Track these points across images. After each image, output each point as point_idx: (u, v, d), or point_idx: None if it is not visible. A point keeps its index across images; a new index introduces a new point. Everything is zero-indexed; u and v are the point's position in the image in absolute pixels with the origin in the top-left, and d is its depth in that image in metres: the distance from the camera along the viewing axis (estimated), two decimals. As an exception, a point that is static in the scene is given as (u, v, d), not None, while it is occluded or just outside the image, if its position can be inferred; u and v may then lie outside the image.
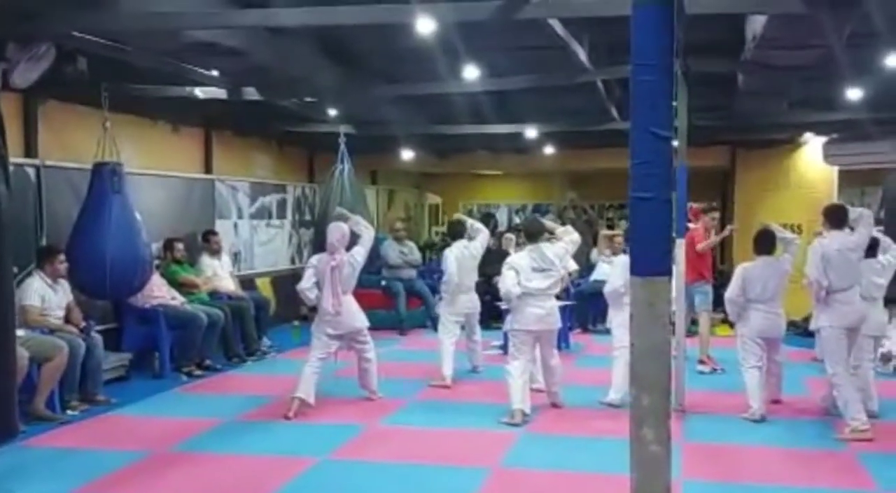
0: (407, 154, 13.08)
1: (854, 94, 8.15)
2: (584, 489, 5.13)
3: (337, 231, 6.95)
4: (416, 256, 11.92)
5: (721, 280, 9.30)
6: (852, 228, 6.29)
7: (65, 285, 7.02)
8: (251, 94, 8.13)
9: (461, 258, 8.05)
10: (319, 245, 8.21)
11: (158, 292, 8.19)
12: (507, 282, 6.56)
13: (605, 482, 5.00)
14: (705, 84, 7.77)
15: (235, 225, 10.82)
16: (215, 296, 9.00)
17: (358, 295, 7.16)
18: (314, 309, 7.15)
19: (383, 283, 11.28)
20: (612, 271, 7.27)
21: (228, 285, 9.42)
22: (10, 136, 4.42)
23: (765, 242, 6.84)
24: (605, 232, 12.58)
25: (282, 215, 12.04)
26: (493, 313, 9.66)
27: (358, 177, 10.85)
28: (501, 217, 16.59)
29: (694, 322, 8.86)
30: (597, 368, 7.91)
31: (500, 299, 7.47)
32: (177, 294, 8.42)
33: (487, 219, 13.13)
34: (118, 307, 8.15)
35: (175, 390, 7.61)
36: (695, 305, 8.49)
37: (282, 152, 12.32)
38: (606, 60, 7.14)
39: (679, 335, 6.57)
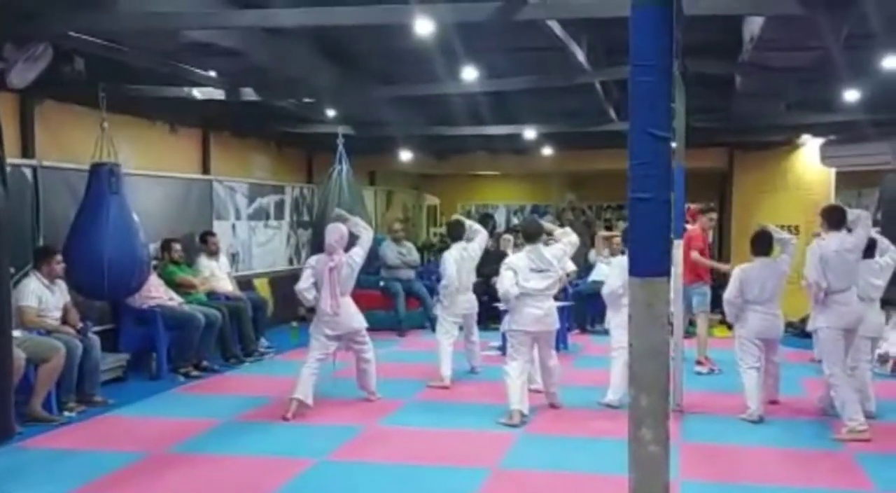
0: (405, 155, 13.08)
1: (851, 95, 8.17)
2: (583, 489, 5.13)
3: (335, 232, 6.95)
4: (415, 256, 11.93)
5: (719, 281, 9.29)
6: (850, 230, 6.30)
7: (62, 285, 7.00)
8: (249, 94, 8.13)
9: (460, 261, 8.05)
10: (318, 246, 8.22)
11: (156, 292, 8.19)
12: (506, 282, 6.56)
13: (603, 482, 5.00)
14: (703, 85, 7.79)
15: (233, 226, 10.81)
16: (213, 297, 9.00)
17: (356, 296, 7.16)
18: (312, 310, 7.15)
19: (381, 284, 11.28)
20: (611, 272, 7.28)
21: (226, 285, 9.42)
22: (6, 136, 4.41)
23: (762, 244, 6.85)
24: (602, 233, 12.59)
25: (280, 216, 12.03)
26: (491, 313, 9.66)
27: (356, 178, 10.86)
28: (500, 218, 16.60)
29: (692, 323, 8.88)
30: (595, 368, 7.91)
31: (498, 300, 7.47)
32: (174, 295, 8.41)
33: (486, 220, 13.14)
34: (115, 308, 8.14)
35: (172, 391, 7.60)
36: (693, 306, 8.49)
37: (280, 153, 12.32)
38: (605, 61, 7.15)
39: (677, 336, 6.57)
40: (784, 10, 4.94)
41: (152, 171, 9.03)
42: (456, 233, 8.36)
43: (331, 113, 9.84)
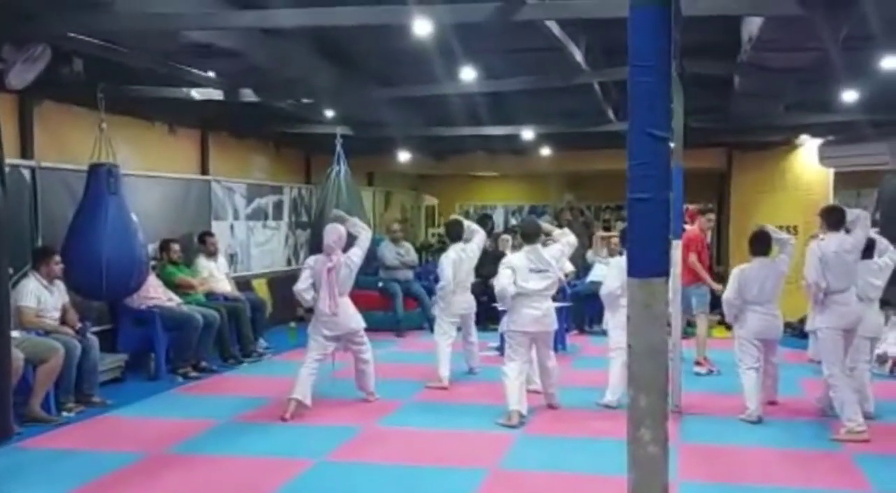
0: (404, 156, 13.08)
1: (850, 96, 8.17)
2: (582, 490, 5.13)
3: (334, 232, 6.94)
4: (413, 257, 11.93)
5: (717, 282, 9.27)
6: (849, 230, 6.31)
7: (60, 286, 7.00)
8: (248, 95, 8.12)
9: (458, 262, 8.04)
10: (316, 246, 8.21)
11: (154, 293, 8.18)
12: (503, 280, 6.56)
13: (602, 483, 5.01)
14: (701, 86, 7.78)
15: (232, 226, 10.81)
16: (211, 297, 9.00)
17: (354, 296, 7.16)
18: (311, 310, 7.15)
19: (380, 284, 11.28)
20: (609, 272, 7.27)
21: (225, 286, 9.41)
22: (5, 137, 4.42)
23: (761, 244, 6.85)
24: (600, 233, 12.59)
25: (278, 217, 12.03)
26: (489, 314, 9.66)
27: (354, 178, 10.87)
28: (498, 219, 16.60)
29: (690, 324, 8.87)
30: (593, 369, 7.91)
31: (496, 301, 7.46)
32: (173, 295, 8.41)
33: (484, 220, 13.14)
34: (114, 309, 8.13)
35: (171, 392, 7.60)
36: (692, 306, 8.49)
37: (278, 154, 12.32)
38: (603, 62, 7.14)
39: (675, 337, 6.58)
40: (783, 11, 4.94)
41: (151, 171, 9.03)
42: (454, 233, 8.35)
43: (329, 113, 9.85)
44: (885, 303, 7.05)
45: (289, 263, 12.14)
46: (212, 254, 9.40)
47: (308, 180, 13.06)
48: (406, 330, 11.05)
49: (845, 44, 5.72)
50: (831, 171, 10.92)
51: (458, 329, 8.24)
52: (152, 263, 8.22)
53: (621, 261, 6.21)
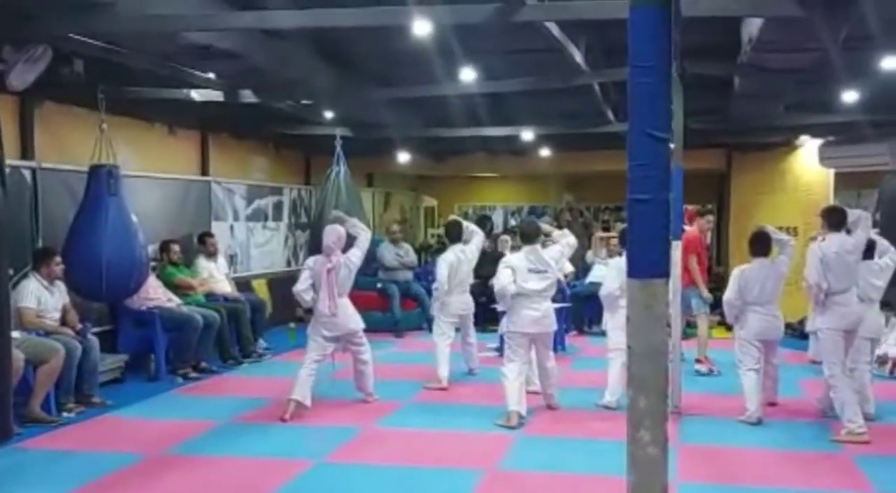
0: (403, 157, 13.08)
1: (850, 96, 8.17)
2: (581, 490, 5.12)
3: (333, 233, 6.94)
4: (412, 258, 11.93)
5: (716, 283, 9.30)
6: (849, 231, 6.31)
7: (61, 287, 7.00)
8: (247, 96, 8.13)
9: (456, 263, 8.02)
10: (315, 247, 8.20)
11: (154, 294, 8.18)
12: (503, 279, 6.56)
13: (601, 483, 5.01)
14: (701, 87, 7.79)
15: (232, 227, 10.81)
16: (211, 298, 8.99)
17: (354, 297, 7.16)
18: (310, 311, 7.15)
19: (379, 285, 11.27)
20: (608, 273, 7.26)
21: (224, 287, 9.41)
22: (6, 138, 4.42)
23: (761, 245, 6.84)
24: (600, 234, 12.59)
25: (278, 218, 12.03)
26: (489, 315, 9.65)
27: (354, 179, 10.86)
28: (497, 219, 16.60)
29: (689, 325, 8.87)
30: (592, 370, 7.91)
31: (495, 302, 7.46)
32: (173, 296, 8.41)
33: (483, 222, 13.14)
34: (114, 309, 8.13)
35: (171, 393, 7.60)
36: (692, 307, 8.49)
37: (278, 155, 12.32)
38: (603, 63, 7.15)
39: (675, 338, 6.57)
40: (783, 12, 4.95)
41: (151, 172, 9.04)
42: (454, 234, 8.33)
43: (329, 115, 9.85)
44: (885, 304, 7.05)
45: (288, 263, 12.14)
46: (212, 255, 9.40)
47: (308, 181, 13.07)
48: (405, 331, 11.05)
49: (845, 44, 5.73)
50: (831, 171, 10.92)
51: (457, 330, 8.24)
52: (152, 264, 8.22)
53: (620, 262, 6.22)
